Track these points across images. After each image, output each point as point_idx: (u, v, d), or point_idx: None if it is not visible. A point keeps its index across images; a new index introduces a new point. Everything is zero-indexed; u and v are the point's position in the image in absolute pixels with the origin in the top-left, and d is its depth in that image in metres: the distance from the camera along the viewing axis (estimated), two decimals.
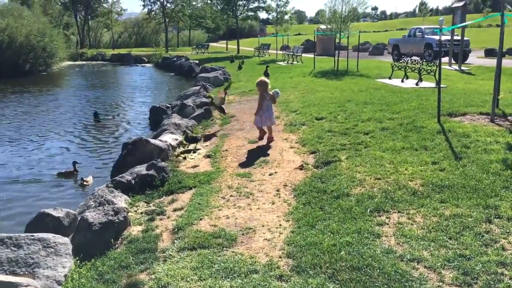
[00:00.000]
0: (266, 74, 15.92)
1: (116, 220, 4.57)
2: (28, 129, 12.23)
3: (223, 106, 8.29)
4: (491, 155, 5.46)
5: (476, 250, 3.47)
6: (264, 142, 7.65)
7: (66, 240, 4.16)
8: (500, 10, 7.43)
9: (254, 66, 23.97)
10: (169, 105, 13.26)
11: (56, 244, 3.98)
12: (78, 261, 4.03)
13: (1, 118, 14.11)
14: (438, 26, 7.82)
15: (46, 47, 32.40)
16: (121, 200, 5.45)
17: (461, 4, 18.08)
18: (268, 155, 6.84)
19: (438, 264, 3.34)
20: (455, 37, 18.53)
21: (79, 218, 4.78)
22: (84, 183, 7.45)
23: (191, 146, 7.57)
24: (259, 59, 30.01)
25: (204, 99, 13.40)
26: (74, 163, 8.12)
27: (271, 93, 7.68)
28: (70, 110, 15.70)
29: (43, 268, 3.72)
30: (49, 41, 32.96)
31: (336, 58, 18.56)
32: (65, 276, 3.71)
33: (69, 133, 11.64)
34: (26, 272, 3.65)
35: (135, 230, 4.66)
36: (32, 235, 4.03)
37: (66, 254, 3.95)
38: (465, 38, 18.54)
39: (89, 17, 62.11)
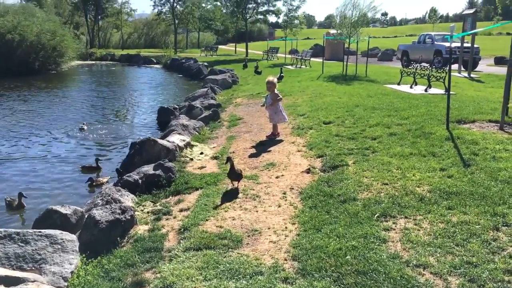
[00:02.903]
0: (280, 77, 16.20)
1: (123, 219, 4.60)
2: (36, 127, 12.32)
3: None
4: (500, 163, 5.43)
5: (483, 258, 3.45)
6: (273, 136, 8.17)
7: (73, 237, 4.18)
8: (510, 18, 7.39)
9: (263, 69, 23.97)
10: (177, 106, 13.33)
11: (63, 241, 4.01)
12: (85, 258, 4.06)
13: (11, 114, 14.23)
14: (449, 33, 7.80)
15: (57, 46, 32.65)
16: (128, 199, 5.48)
17: (471, 11, 18.02)
18: (275, 158, 6.84)
19: (445, 270, 3.33)
20: (465, 44, 18.46)
21: (86, 216, 4.81)
22: (93, 183, 7.40)
23: (235, 184, 5.70)
24: (268, 62, 30.04)
25: (212, 101, 13.44)
26: (97, 159, 8.25)
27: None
28: (78, 109, 15.80)
29: (50, 264, 3.75)
30: (60, 40, 33.19)
31: (345, 63, 18.54)
32: (72, 272, 3.74)
33: (78, 131, 11.71)
34: (33, 268, 3.68)
35: (141, 229, 4.69)
36: (40, 231, 4.06)
37: (73, 251, 3.98)
38: (475, 46, 18.46)
39: (99, 17, 62.49)
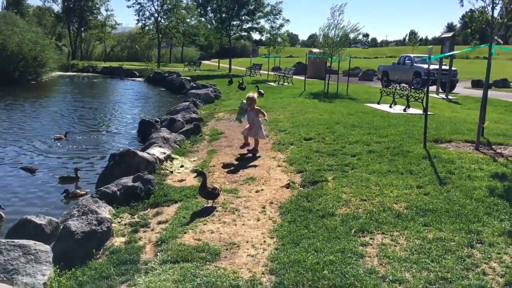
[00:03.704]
0: (260, 93, 16.27)
1: (99, 230, 4.52)
2: (15, 136, 12.11)
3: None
4: (475, 182, 5.55)
5: (458, 274, 3.50)
6: (244, 151, 8.19)
7: (47, 247, 4.09)
8: (486, 42, 7.64)
9: (246, 85, 24.10)
10: (158, 119, 13.27)
11: (36, 252, 3.92)
12: (58, 270, 3.97)
13: None
14: (427, 55, 8.00)
15: (37, 57, 32.24)
16: (105, 211, 5.40)
17: (449, 35, 18.54)
18: (255, 172, 6.85)
19: (420, 286, 3.36)
20: (443, 67, 18.94)
21: (61, 227, 4.72)
22: (69, 195, 7.20)
23: (210, 202, 5.47)
24: (251, 78, 30.26)
25: (194, 115, 13.43)
26: (76, 169, 8.11)
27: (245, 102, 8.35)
28: (57, 121, 15.60)
29: (22, 275, 3.66)
30: (41, 50, 32.79)
31: (326, 81, 18.79)
32: (44, 284, 3.65)
33: (57, 142, 11.54)
34: (5, 279, 3.58)
35: (117, 241, 4.62)
36: (13, 241, 3.97)
37: (47, 262, 3.89)
38: (452, 68, 18.95)
39: (82, 29, 62.16)
